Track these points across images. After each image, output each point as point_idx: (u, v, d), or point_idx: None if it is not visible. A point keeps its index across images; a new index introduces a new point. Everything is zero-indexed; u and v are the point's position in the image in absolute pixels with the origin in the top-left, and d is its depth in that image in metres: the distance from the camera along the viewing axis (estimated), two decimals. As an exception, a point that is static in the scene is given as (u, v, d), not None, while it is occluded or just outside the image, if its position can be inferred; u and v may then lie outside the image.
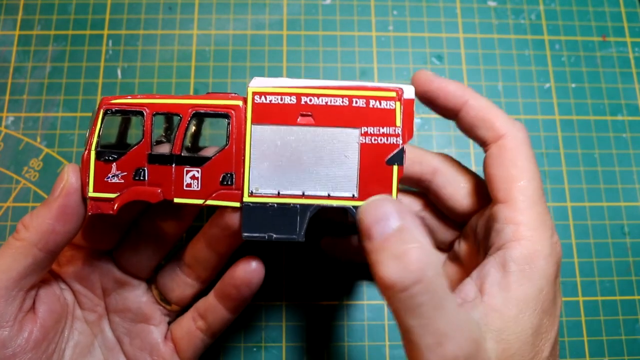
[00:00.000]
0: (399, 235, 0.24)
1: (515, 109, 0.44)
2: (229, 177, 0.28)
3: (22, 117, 0.42)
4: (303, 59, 0.44)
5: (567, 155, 0.43)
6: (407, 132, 0.28)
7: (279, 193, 0.28)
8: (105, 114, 0.28)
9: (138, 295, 0.33)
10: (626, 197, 0.43)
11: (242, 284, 0.30)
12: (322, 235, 0.39)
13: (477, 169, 0.42)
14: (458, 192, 0.32)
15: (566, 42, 0.46)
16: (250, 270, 0.30)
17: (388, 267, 0.24)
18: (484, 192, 0.31)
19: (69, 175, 0.27)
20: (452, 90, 0.30)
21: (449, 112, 0.31)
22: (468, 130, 0.30)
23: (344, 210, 0.28)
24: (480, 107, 0.30)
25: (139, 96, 0.28)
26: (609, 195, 0.42)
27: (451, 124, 0.44)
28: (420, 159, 0.32)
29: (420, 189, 0.34)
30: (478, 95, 0.30)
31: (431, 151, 0.33)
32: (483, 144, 0.30)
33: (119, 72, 0.43)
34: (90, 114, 0.42)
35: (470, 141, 0.43)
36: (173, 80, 0.43)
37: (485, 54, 0.45)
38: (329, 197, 0.28)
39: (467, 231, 0.32)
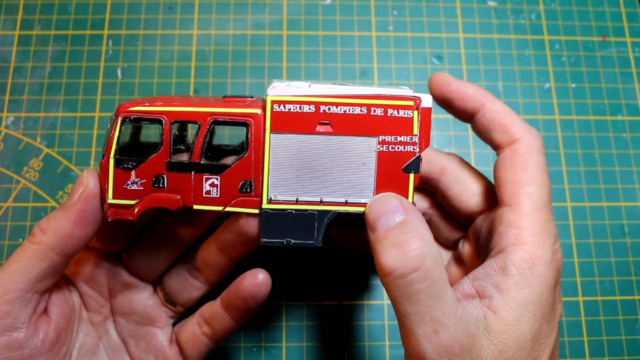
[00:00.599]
0: (401, 227, 0.25)
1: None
2: (248, 185, 0.28)
3: (22, 117, 0.42)
4: (303, 59, 0.44)
5: (567, 155, 0.43)
6: (424, 140, 0.28)
7: (297, 200, 0.28)
8: (123, 121, 0.28)
9: (144, 298, 0.33)
10: (626, 197, 0.43)
11: (249, 296, 0.31)
12: (330, 225, 0.39)
13: (477, 168, 0.42)
14: (464, 192, 0.32)
15: (566, 42, 0.46)
16: (257, 284, 0.31)
17: (388, 254, 0.25)
18: (490, 194, 0.31)
19: (89, 181, 0.27)
20: (470, 93, 0.30)
21: (465, 114, 0.31)
22: (483, 133, 0.30)
23: (359, 215, 0.28)
24: (497, 110, 0.30)
25: (156, 102, 0.28)
26: (609, 195, 0.42)
27: (451, 123, 0.44)
28: (428, 158, 0.32)
29: (427, 187, 0.34)
30: (495, 98, 0.30)
31: (440, 150, 0.33)
32: (496, 147, 0.30)
33: (119, 72, 0.43)
34: (90, 114, 0.42)
35: (470, 141, 0.43)
36: (173, 80, 0.43)
37: (485, 54, 0.45)
38: (346, 203, 0.28)
39: (471, 233, 0.32)
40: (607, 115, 0.44)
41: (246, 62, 0.44)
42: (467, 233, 0.32)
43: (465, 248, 0.32)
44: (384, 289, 0.40)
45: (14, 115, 0.42)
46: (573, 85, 0.45)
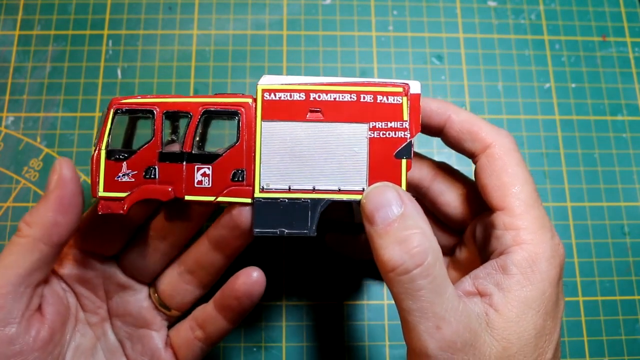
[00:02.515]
0: (401, 221, 0.25)
1: (515, 109, 0.44)
2: (239, 174, 0.28)
3: (22, 117, 0.42)
4: (303, 59, 0.44)
5: (567, 155, 0.43)
6: (415, 126, 0.28)
7: (289, 188, 0.28)
8: (115, 113, 0.28)
9: (139, 300, 0.32)
10: (626, 197, 0.43)
11: (244, 295, 0.30)
12: (326, 232, 0.39)
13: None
14: (455, 199, 0.32)
15: (566, 42, 0.46)
16: (251, 282, 0.30)
17: (390, 251, 0.25)
18: (481, 199, 0.31)
19: (61, 167, 0.28)
20: (434, 108, 0.30)
21: (432, 129, 0.31)
22: (455, 144, 0.30)
23: (351, 208, 0.28)
24: (463, 120, 0.30)
25: (148, 96, 0.28)
26: (609, 195, 0.42)
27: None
28: (418, 165, 0.32)
29: (418, 195, 0.34)
30: (459, 109, 0.30)
31: (430, 158, 0.33)
32: (471, 156, 0.30)
33: (119, 72, 0.43)
34: (90, 114, 0.42)
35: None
36: (173, 80, 0.43)
37: (485, 54, 0.45)
38: (339, 191, 0.28)
39: (467, 238, 0.32)
40: (607, 115, 0.44)
41: (246, 62, 0.44)
42: (464, 238, 0.32)
43: (463, 254, 0.32)
44: (383, 289, 0.40)
45: (14, 115, 0.42)
46: (573, 85, 0.45)
